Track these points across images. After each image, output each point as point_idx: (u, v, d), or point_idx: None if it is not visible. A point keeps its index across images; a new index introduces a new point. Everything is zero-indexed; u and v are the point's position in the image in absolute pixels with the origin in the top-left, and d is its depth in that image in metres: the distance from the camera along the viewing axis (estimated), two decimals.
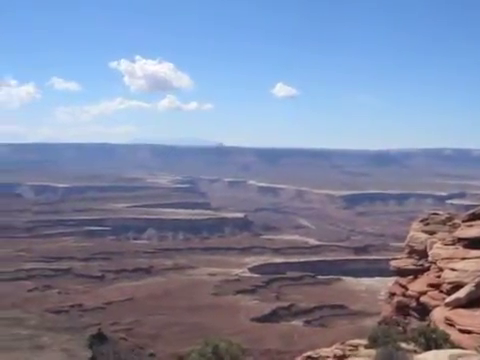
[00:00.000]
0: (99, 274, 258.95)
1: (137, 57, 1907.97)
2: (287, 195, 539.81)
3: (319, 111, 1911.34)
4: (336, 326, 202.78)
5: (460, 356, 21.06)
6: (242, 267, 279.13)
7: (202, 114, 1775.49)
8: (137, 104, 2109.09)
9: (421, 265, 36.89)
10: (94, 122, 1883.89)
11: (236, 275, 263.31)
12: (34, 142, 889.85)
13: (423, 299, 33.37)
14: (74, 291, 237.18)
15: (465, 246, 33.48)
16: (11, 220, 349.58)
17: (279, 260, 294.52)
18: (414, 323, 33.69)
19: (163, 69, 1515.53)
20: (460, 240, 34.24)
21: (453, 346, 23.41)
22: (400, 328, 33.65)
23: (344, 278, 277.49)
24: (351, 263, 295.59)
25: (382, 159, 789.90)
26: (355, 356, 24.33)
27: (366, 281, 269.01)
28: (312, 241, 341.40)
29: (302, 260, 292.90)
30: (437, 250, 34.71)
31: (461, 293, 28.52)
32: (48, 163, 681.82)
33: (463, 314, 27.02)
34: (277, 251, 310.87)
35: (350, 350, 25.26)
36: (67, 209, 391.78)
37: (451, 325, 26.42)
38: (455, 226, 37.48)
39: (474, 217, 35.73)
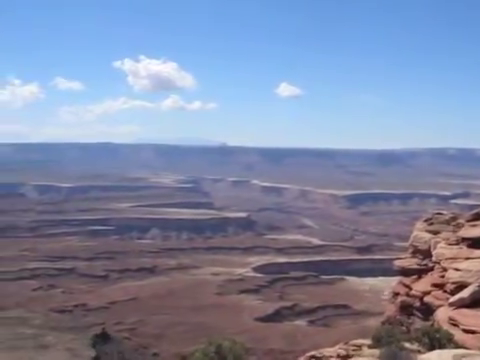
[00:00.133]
0: (103, 274, 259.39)
1: (141, 57, 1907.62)
2: (291, 195, 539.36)
3: (323, 111, 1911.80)
4: (339, 326, 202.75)
5: (464, 356, 21.04)
6: (245, 267, 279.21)
7: (206, 114, 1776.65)
8: (141, 104, 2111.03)
9: (425, 265, 36.86)
10: (98, 122, 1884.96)
11: (239, 275, 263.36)
12: (38, 142, 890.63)
13: (427, 299, 33.34)
14: (78, 291, 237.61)
15: (469, 246, 33.43)
16: (15, 220, 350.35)
17: (282, 260, 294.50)
18: (418, 323, 33.67)
19: (167, 69, 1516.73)
20: (464, 240, 34.20)
21: (457, 346, 23.39)
22: (404, 328, 33.62)
23: (347, 278, 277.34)
24: (355, 263, 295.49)
25: (386, 159, 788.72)
26: (359, 356, 24.31)
27: (370, 281, 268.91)
28: (315, 241, 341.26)
29: (305, 260, 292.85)
30: (441, 250, 34.67)
31: (465, 293, 28.49)
32: (52, 163, 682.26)
33: (467, 314, 27.00)
34: (280, 251, 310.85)
35: (354, 350, 25.25)
36: (71, 209, 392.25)
37: (455, 325, 26.40)
38: (459, 226, 37.41)
39: (478, 217, 35.67)
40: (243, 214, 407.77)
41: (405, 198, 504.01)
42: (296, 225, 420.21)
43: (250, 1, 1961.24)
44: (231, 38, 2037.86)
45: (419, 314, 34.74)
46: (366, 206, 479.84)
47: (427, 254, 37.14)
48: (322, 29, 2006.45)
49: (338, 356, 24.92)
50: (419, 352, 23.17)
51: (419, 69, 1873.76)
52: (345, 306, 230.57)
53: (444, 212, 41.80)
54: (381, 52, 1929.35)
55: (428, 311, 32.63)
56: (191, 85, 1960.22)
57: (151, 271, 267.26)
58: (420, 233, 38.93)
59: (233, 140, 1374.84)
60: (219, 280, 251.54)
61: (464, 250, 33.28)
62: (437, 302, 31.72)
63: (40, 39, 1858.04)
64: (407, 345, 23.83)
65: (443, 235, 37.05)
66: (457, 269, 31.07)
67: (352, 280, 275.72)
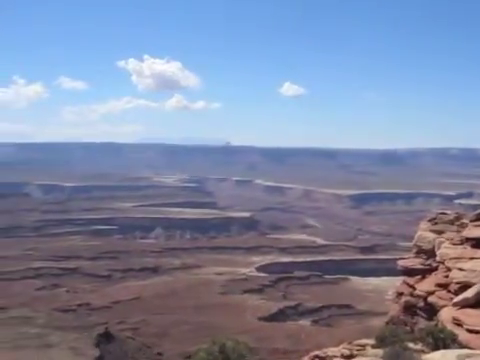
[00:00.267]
0: (106, 273, 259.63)
1: (145, 56, 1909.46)
2: (294, 194, 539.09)
3: (326, 110, 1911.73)
4: (343, 326, 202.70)
5: (468, 356, 21.02)
6: (249, 266, 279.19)
7: (209, 113, 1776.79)
8: (145, 103, 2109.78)
9: (429, 265, 36.78)
10: (101, 121, 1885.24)
11: (243, 274, 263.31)
12: (41, 141, 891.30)
13: (431, 299, 33.28)
14: (82, 290, 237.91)
15: (473, 246, 33.37)
16: (19, 219, 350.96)
17: (286, 259, 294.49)
18: (422, 323, 33.62)
19: (171, 68, 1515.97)
20: (468, 240, 34.13)
21: (461, 346, 23.37)
22: (408, 328, 33.62)
23: (351, 278, 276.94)
24: (358, 263, 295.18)
25: (389, 158, 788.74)
26: (362, 356, 24.31)
27: (373, 281, 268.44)
28: (319, 240, 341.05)
29: (309, 259, 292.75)
30: (445, 250, 34.61)
31: (469, 293, 28.44)
32: (56, 162, 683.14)
33: (471, 314, 26.95)
34: (284, 250, 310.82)
35: (357, 350, 25.25)
36: (75, 208, 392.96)
37: (459, 325, 26.35)
38: (463, 226, 37.32)
39: None
40: (246, 214, 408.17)
41: (409, 198, 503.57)
42: (300, 225, 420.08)
43: (253, 1, 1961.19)
44: (235, 38, 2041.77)
45: (423, 314, 34.68)
46: (370, 206, 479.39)
47: (431, 254, 37.07)
48: (325, 28, 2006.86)
49: (342, 356, 24.93)
50: (423, 352, 23.16)
51: (422, 69, 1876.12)
52: (349, 306, 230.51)
53: (448, 212, 41.68)
54: (384, 52, 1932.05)
55: (432, 311, 32.57)
56: (195, 85, 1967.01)
57: (154, 271, 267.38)
58: (424, 233, 38.85)
59: (237, 140, 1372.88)
60: (223, 280, 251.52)
61: (468, 250, 33.23)
62: (441, 302, 31.66)
63: (44, 39, 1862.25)
64: (411, 345, 23.82)
65: (447, 235, 36.97)
66: (461, 269, 31.01)
67: (356, 280, 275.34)
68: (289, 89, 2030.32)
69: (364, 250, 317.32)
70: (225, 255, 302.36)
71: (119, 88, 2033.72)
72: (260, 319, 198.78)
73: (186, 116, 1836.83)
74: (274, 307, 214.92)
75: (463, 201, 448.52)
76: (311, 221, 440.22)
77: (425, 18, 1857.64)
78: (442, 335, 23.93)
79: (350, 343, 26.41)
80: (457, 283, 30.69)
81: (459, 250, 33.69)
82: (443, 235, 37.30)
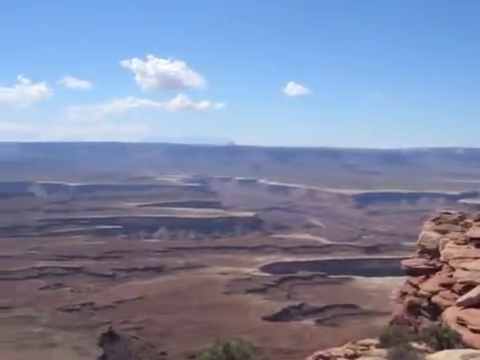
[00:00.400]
0: (110, 273, 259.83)
1: (149, 56, 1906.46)
2: (298, 194, 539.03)
3: (330, 110, 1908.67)
4: (347, 325, 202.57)
5: (472, 356, 20.98)
6: (253, 266, 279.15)
7: (213, 113, 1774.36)
8: (149, 103, 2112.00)
9: (433, 265, 36.72)
10: (105, 121, 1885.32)
11: (247, 274, 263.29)
12: (46, 141, 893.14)
13: (435, 299, 33.21)
14: (86, 289, 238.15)
15: (477, 246, 33.33)
16: (23, 219, 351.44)
17: (290, 259, 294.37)
18: (426, 323, 33.56)
19: (175, 68, 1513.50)
20: (472, 240, 34.10)
21: (465, 346, 23.33)
22: (411, 328, 33.59)
23: (355, 277, 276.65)
24: (362, 262, 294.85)
25: (394, 158, 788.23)
26: (366, 356, 24.28)
27: (377, 280, 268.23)
28: (323, 240, 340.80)
29: (313, 259, 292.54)
30: (449, 249, 34.55)
31: (473, 293, 28.39)
32: (60, 162, 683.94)
33: (475, 314, 26.89)
34: (288, 250, 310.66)
35: (361, 350, 25.21)
36: (78, 208, 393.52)
37: (463, 325, 26.29)
38: (467, 225, 37.28)
39: None
40: (250, 213, 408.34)
41: (413, 198, 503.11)
42: (304, 224, 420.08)
43: (257, 0, 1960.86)
44: (238, 38, 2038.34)
45: (427, 314, 34.62)
46: (374, 205, 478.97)
47: (435, 254, 37.01)
48: (329, 28, 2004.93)
49: (346, 356, 24.89)
50: (427, 352, 23.12)
51: (427, 69, 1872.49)
52: (353, 306, 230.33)
53: (452, 212, 41.61)
54: (389, 52, 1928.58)
55: (436, 311, 32.51)
56: (199, 84, 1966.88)
57: (158, 270, 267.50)
58: (428, 233, 38.79)
59: (240, 139, 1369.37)
60: (226, 279, 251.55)
61: (472, 250, 33.19)
62: (445, 302, 31.60)
63: (48, 38, 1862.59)
64: (415, 345, 23.78)
65: (451, 235, 36.90)
66: (465, 269, 30.95)
67: (360, 280, 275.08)
68: (293, 89, 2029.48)
69: (368, 250, 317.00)
70: (229, 255, 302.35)
71: (123, 88, 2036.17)
72: (264, 319, 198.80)
73: (190, 116, 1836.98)
74: (278, 307, 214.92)
75: (467, 201, 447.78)
76: (315, 221, 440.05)
77: (429, 18, 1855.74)
78: (446, 335, 23.89)
79: (354, 343, 26.37)
80: (461, 283, 30.64)
81: (463, 250, 33.65)
82: (447, 235, 37.24)
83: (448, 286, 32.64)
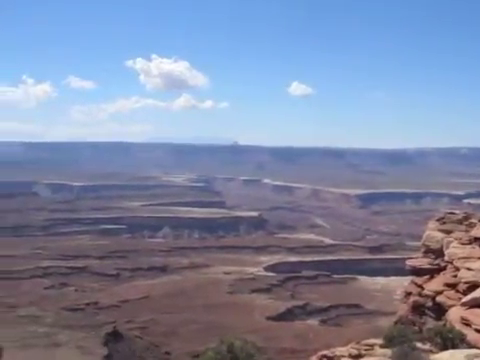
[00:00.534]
0: (115, 272, 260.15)
1: (153, 56, 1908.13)
2: (302, 194, 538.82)
3: (335, 110, 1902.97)
4: (351, 325, 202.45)
5: (477, 356, 20.99)
6: (257, 266, 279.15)
7: (217, 113, 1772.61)
8: (153, 103, 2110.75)
9: (437, 264, 36.71)
10: (110, 121, 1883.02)
11: (251, 274, 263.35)
12: (50, 141, 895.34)
13: (439, 299, 33.20)
14: (90, 289, 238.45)
15: None
16: (27, 218, 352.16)
17: (294, 259, 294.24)
18: (430, 323, 33.55)
19: (179, 68, 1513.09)
20: (476, 239, 34.08)
21: (469, 346, 23.33)
22: (416, 328, 33.56)
23: (359, 277, 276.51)
24: (366, 262, 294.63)
25: (398, 158, 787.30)
26: (371, 355, 24.30)
27: (381, 280, 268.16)
28: (327, 240, 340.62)
29: (317, 259, 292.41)
30: (453, 249, 34.54)
31: (478, 293, 28.37)
32: (64, 162, 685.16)
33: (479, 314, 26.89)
34: (292, 250, 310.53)
35: (366, 349, 25.24)
36: (83, 207, 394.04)
37: (467, 325, 26.28)
38: (471, 225, 37.25)
39: None
40: (255, 213, 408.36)
41: (417, 197, 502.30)
42: (308, 224, 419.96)
43: (261, 0, 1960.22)
44: (242, 37, 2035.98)
45: (431, 314, 34.61)
46: (378, 205, 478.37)
47: (439, 254, 36.99)
48: (333, 28, 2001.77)
49: (350, 355, 24.92)
50: (431, 352, 23.14)
51: (431, 68, 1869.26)
52: (357, 306, 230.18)
53: (456, 211, 41.57)
54: (393, 51, 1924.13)
55: (440, 311, 32.51)
56: (203, 84, 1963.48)
57: (163, 270, 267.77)
58: (432, 232, 38.77)
59: (245, 139, 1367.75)
60: (231, 279, 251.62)
61: (477, 250, 33.17)
62: (449, 302, 31.59)
63: (53, 38, 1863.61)
64: (419, 345, 23.80)
65: (455, 234, 36.88)
66: (469, 269, 30.95)
67: (364, 280, 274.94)
68: (297, 89, 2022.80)
69: (372, 250, 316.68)
70: (233, 254, 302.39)
71: (127, 87, 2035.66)
72: (268, 318, 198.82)
73: (194, 115, 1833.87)
74: (282, 306, 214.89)
75: (472, 201, 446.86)
76: (319, 221, 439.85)
77: (433, 18, 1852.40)
78: (450, 335, 23.91)
79: (358, 343, 26.40)
80: (465, 283, 30.63)
81: (467, 250, 33.63)
82: (451, 235, 37.22)
83: (452, 286, 32.63)
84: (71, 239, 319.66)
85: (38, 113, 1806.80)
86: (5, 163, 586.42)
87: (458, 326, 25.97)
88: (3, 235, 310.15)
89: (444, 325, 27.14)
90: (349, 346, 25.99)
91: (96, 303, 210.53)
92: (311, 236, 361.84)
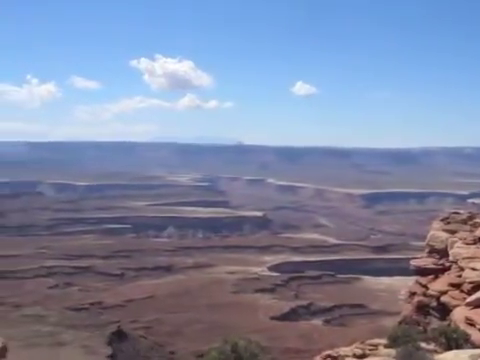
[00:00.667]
0: (119, 272, 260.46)
1: (157, 55, 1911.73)
2: (306, 194, 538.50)
3: (339, 109, 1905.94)
4: (356, 325, 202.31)
5: None
6: (261, 265, 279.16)
7: (222, 112, 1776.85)
8: (157, 102, 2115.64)
9: (441, 264, 36.60)
10: (114, 120, 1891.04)
11: (255, 273, 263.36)
12: (55, 140, 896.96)
13: (443, 299, 33.11)
14: (94, 289, 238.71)
15: None
16: (32, 218, 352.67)
17: (298, 259, 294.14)
18: (434, 323, 33.47)
19: (183, 68, 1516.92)
20: None
21: (474, 346, 23.28)
22: (420, 328, 33.49)
23: (363, 277, 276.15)
24: (371, 262, 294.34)
25: (402, 158, 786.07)
26: (375, 355, 24.27)
27: (386, 280, 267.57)
28: (331, 240, 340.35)
29: (321, 259, 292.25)
30: (458, 249, 34.44)
31: None
32: (68, 161, 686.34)
33: None
34: (296, 250, 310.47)
35: (370, 349, 25.21)
36: (87, 207, 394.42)
37: (472, 325, 26.22)
38: (476, 225, 37.14)
39: None
40: (259, 213, 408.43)
41: (422, 197, 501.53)
42: (312, 224, 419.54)
43: (265, 0, 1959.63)
44: (247, 37, 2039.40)
45: (436, 314, 34.52)
46: (382, 205, 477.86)
47: (444, 253, 36.90)
48: (337, 28, 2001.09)
49: (354, 355, 24.89)
50: (436, 352, 23.10)
51: (436, 68, 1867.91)
52: (361, 305, 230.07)
53: (461, 211, 41.47)
54: (397, 51, 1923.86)
55: (445, 311, 32.43)
56: (207, 84, 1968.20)
57: (167, 269, 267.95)
58: (437, 232, 38.67)
59: (249, 139, 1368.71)
60: (235, 279, 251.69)
61: None
62: (454, 302, 31.51)
63: (57, 38, 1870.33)
64: (423, 345, 23.77)
65: (460, 234, 36.77)
66: (474, 269, 30.87)
67: (368, 279, 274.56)
68: (301, 88, 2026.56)
69: (376, 249, 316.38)
70: (237, 254, 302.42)
71: (131, 87, 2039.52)
72: (272, 318, 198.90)
73: (199, 115, 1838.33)
74: (286, 306, 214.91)
75: (476, 200, 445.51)
76: (323, 220, 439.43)
77: (437, 17, 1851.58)
78: (455, 335, 23.87)
79: (362, 343, 26.38)
80: (470, 283, 30.55)
81: (472, 250, 33.53)
82: (456, 234, 37.12)
83: (457, 286, 32.54)
84: (75, 239, 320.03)
85: (42, 113, 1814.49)
86: (10, 163, 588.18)
87: (462, 326, 25.92)
88: (8, 234, 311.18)
89: (448, 325, 27.09)
90: (353, 346, 25.97)
91: (100, 303, 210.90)
92: (315, 236, 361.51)
